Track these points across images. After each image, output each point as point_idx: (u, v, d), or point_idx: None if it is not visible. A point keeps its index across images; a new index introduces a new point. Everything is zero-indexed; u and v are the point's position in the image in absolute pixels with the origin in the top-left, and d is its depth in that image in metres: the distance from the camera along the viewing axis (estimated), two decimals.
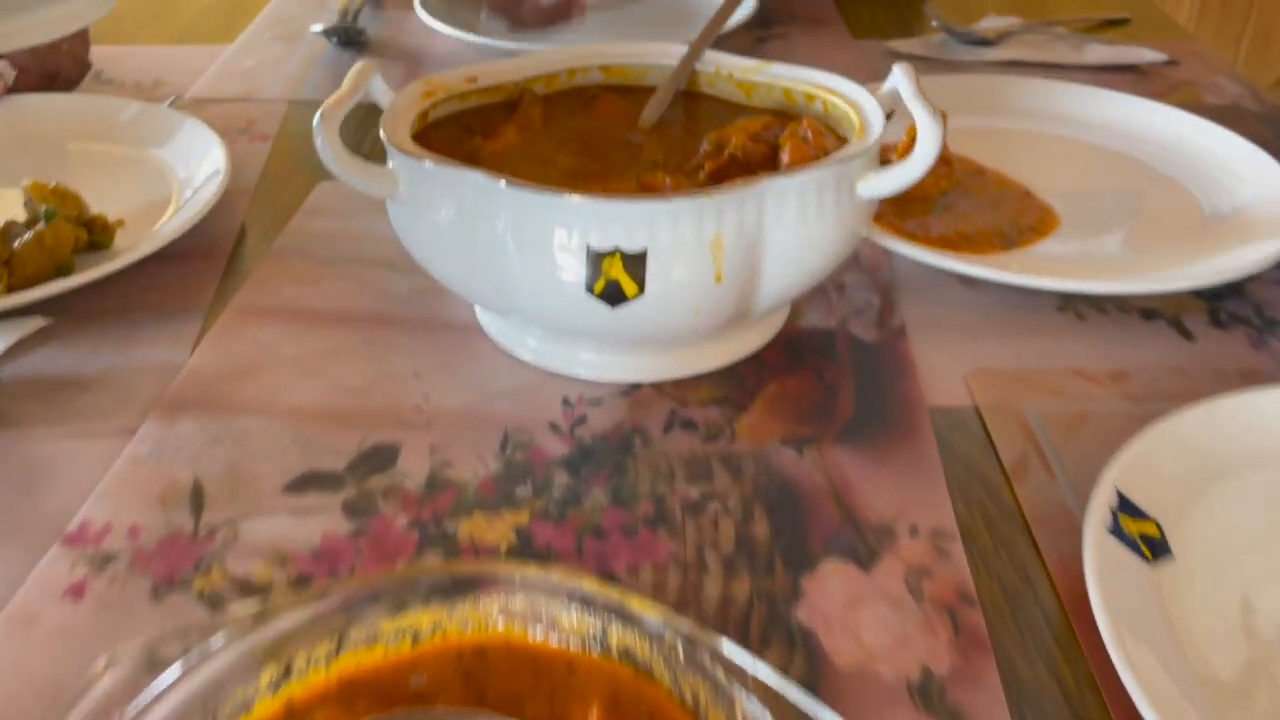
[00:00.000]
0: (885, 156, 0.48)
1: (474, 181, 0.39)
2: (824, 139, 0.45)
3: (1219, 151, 0.59)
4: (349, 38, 0.77)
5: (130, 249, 0.50)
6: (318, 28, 0.78)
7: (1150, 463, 0.37)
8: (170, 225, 0.51)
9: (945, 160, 0.58)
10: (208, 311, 0.48)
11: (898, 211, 0.54)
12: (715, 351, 0.46)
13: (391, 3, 0.87)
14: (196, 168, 0.57)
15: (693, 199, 0.38)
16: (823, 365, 0.45)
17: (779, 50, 0.78)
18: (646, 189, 0.42)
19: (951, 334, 0.47)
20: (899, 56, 0.77)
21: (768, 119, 0.47)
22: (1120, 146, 0.63)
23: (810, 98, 0.49)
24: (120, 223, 0.53)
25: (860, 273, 0.52)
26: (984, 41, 0.78)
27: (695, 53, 0.51)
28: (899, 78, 0.45)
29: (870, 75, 0.73)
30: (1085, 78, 0.74)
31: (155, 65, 0.74)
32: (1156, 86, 0.73)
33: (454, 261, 0.43)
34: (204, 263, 0.52)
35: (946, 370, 0.45)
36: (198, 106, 0.68)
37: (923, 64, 0.76)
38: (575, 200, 0.38)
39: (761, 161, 0.45)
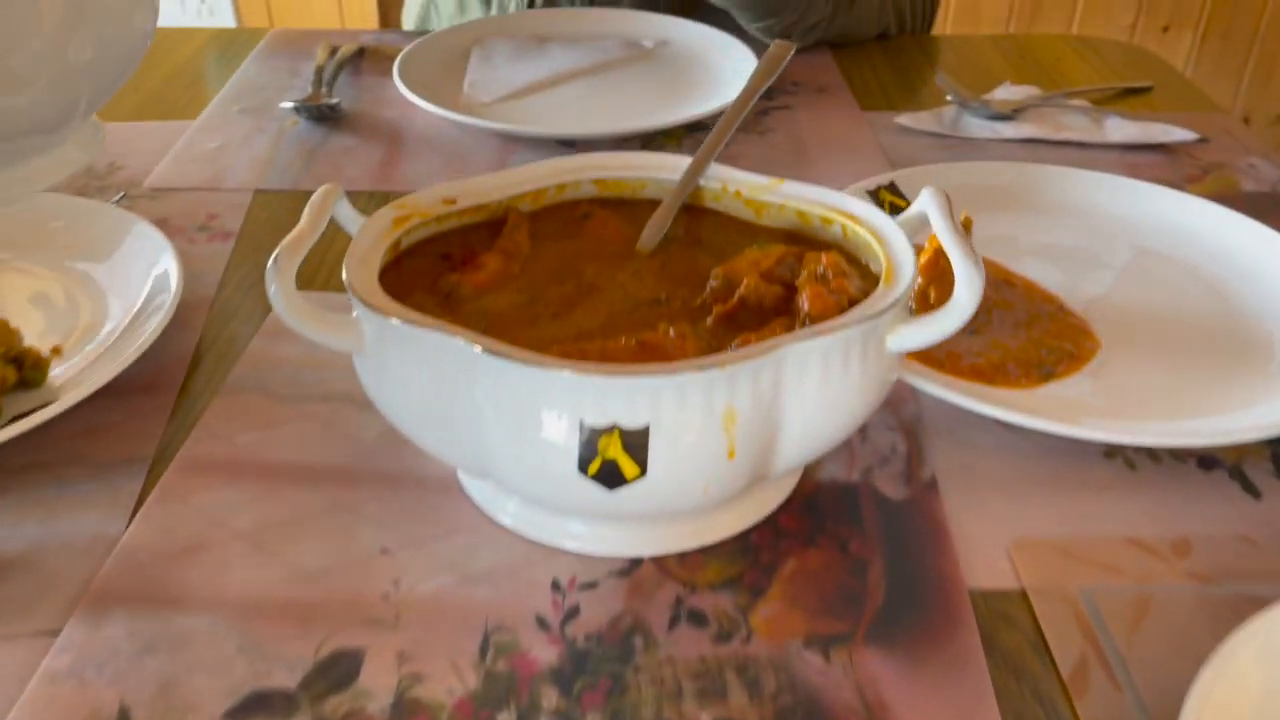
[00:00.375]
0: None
1: (447, 344, 0.34)
2: (845, 279, 0.40)
3: (1272, 260, 0.54)
4: (321, 114, 0.72)
5: (67, 385, 0.44)
6: (287, 104, 0.72)
7: (1238, 682, 0.32)
8: (112, 356, 0.46)
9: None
10: (152, 464, 0.43)
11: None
12: (725, 519, 0.41)
13: (370, 69, 0.82)
14: (144, 281, 0.51)
15: (702, 371, 0.33)
16: (846, 533, 0.40)
17: (783, 122, 0.73)
18: (648, 348, 0.37)
19: (987, 488, 0.42)
20: (910, 133, 0.72)
21: (781, 252, 0.42)
22: (1158, 246, 0.58)
23: (827, 221, 0.44)
24: (56, 351, 0.47)
25: (883, 409, 0.47)
26: (1000, 116, 0.73)
27: (699, 167, 0.46)
28: (930, 206, 0.40)
29: (881, 154, 0.69)
30: (1111, 158, 0.69)
31: (111, 145, 0.69)
32: (1187, 169, 0.68)
33: (426, 426, 0.37)
34: (150, 399, 0.46)
35: (985, 538, 0.40)
36: (155, 198, 0.62)
37: (937, 141, 0.71)
38: (566, 374, 0.33)
39: (775, 304, 0.40)
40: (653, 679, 0.34)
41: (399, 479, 0.42)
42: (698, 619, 0.37)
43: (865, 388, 0.37)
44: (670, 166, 0.47)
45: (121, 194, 0.62)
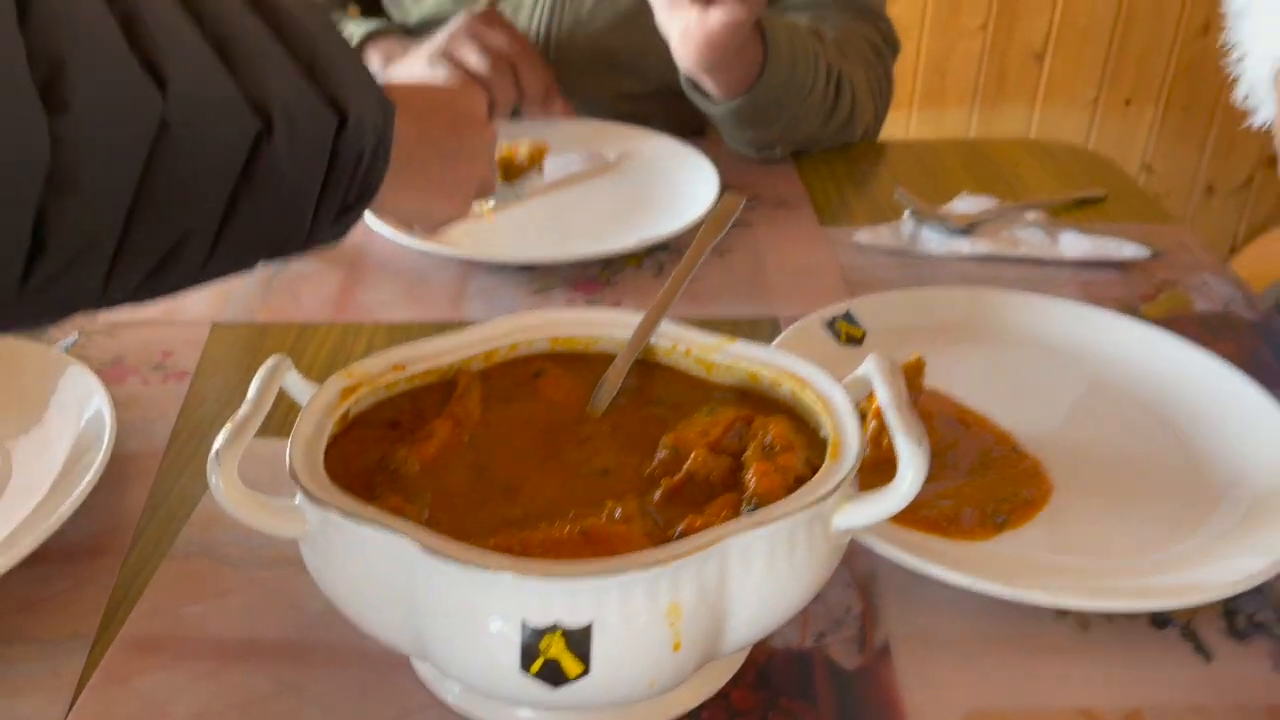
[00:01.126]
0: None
1: (387, 538, 0.34)
2: (792, 454, 0.40)
3: (1227, 402, 0.55)
4: None
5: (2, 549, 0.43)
6: None
7: None
8: (44, 518, 0.45)
9: (926, 414, 0.53)
10: (94, 640, 0.42)
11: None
12: (676, 697, 0.40)
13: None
14: (76, 433, 0.51)
15: (646, 570, 0.33)
16: (800, 709, 0.40)
17: (742, 241, 0.74)
18: (592, 538, 0.37)
19: (941, 653, 0.42)
20: (869, 250, 0.73)
21: (730, 419, 0.42)
22: (1112, 378, 0.58)
23: (776, 383, 0.44)
24: None
25: (839, 565, 0.46)
26: (957, 231, 0.74)
27: (650, 326, 0.46)
28: (875, 376, 0.40)
29: (840, 275, 0.69)
30: (1066, 275, 0.70)
31: None
32: (1141, 287, 0.69)
33: (368, 612, 0.37)
34: (95, 563, 0.46)
35: (938, 709, 0.40)
36: (110, 334, 0.62)
37: (894, 260, 0.72)
38: (508, 576, 0.33)
39: (723, 478, 0.40)
40: None
41: (346, 655, 0.42)
42: None
43: (813, 567, 0.37)
44: (623, 323, 0.47)
45: (75, 336, 0.61)
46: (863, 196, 0.83)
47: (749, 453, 0.40)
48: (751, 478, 0.39)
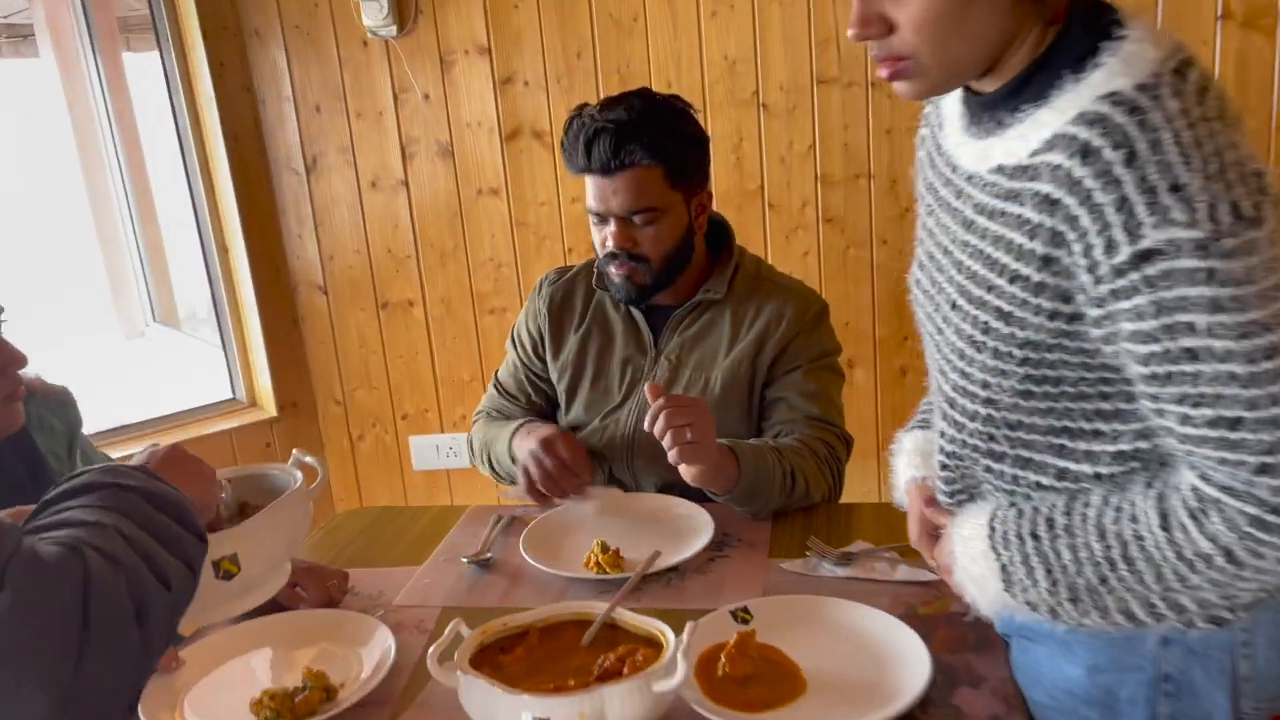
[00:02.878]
0: (715, 654, 1.02)
1: (481, 685, 0.96)
2: (648, 663, 0.99)
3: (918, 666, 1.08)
4: (482, 564, 1.40)
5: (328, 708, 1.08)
6: (464, 559, 1.41)
7: None
8: (354, 693, 1.10)
9: (749, 657, 1.09)
10: None
11: (718, 683, 1.05)
12: None
13: (514, 531, 1.50)
14: (376, 658, 1.17)
15: (572, 696, 0.93)
16: None
17: (718, 566, 1.34)
18: (559, 688, 0.97)
19: None
20: (786, 573, 1.31)
21: (632, 646, 1.02)
22: (870, 644, 1.12)
23: (660, 633, 1.04)
24: (337, 689, 1.12)
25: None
26: (839, 562, 1.31)
27: (610, 611, 1.08)
28: (681, 643, 1.00)
29: (761, 588, 1.27)
30: (893, 589, 1.24)
31: (380, 581, 1.39)
32: (925, 596, 1.22)
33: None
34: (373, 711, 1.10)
35: None
36: (396, 612, 1.30)
37: (798, 579, 1.29)
38: (521, 696, 0.94)
39: (619, 668, 1.00)
40: None
41: None
42: None
43: (647, 708, 0.95)
44: (600, 609, 1.09)
45: (381, 611, 1.30)
46: (803, 541, 1.41)
47: (630, 662, 1.00)
48: (626, 668, 0.99)
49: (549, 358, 1.72)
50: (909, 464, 1.08)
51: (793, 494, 1.46)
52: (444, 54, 2.49)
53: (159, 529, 0.81)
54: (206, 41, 2.46)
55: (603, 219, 1.56)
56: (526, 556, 1.38)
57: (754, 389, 1.61)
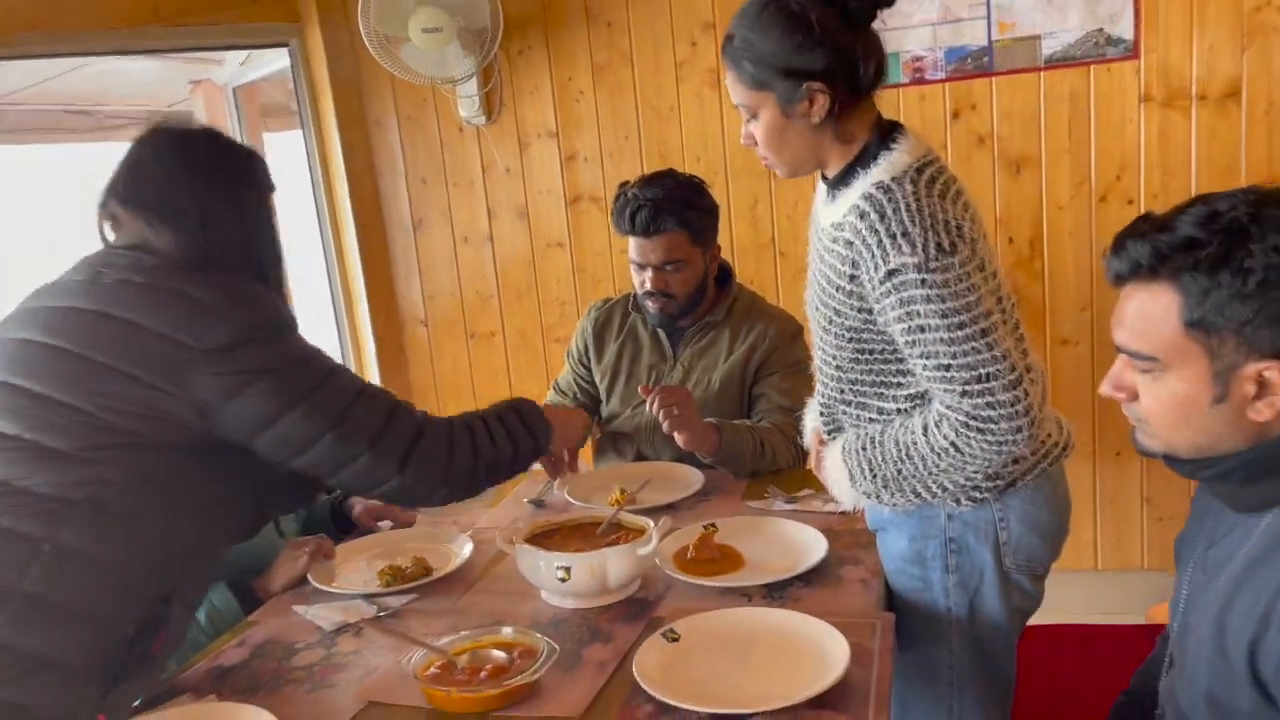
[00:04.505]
0: (686, 548, 1.57)
1: (529, 550, 1.53)
2: (639, 535, 1.55)
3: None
4: (538, 504, 1.97)
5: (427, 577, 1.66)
6: (525, 498, 1.99)
7: None
8: (444, 570, 1.68)
9: (709, 547, 1.64)
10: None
11: (687, 563, 1.60)
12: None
13: (561, 484, 2.06)
14: (466, 552, 1.75)
15: (585, 554, 1.50)
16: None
17: (706, 504, 1.89)
18: (578, 549, 1.54)
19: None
20: (750, 508, 1.85)
21: (628, 532, 1.59)
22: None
23: (647, 525, 1.60)
24: (430, 570, 1.70)
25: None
26: (789, 500, 1.84)
27: (616, 513, 1.65)
28: (660, 525, 1.55)
29: (733, 514, 1.81)
30: (819, 518, 1.77)
31: (473, 515, 1.97)
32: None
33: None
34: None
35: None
36: (479, 531, 1.87)
37: (758, 509, 1.83)
38: (554, 554, 1.51)
39: (616, 540, 1.56)
40: None
41: None
42: None
43: (635, 564, 1.51)
44: (609, 513, 1.66)
45: (471, 530, 1.88)
46: (762, 490, 1.94)
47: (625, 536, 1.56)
48: (622, 540, 1.55)
49: (593, 364, 2.30)
50: (811, 419, 1.62)
51: (762, 459, 2.00)
52: (521, 137, 3.14)
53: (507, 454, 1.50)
54: (340, 129, 3.16)
55: (642, 268, 2.15)
56: (569, 498, 1.95)
57: (744, 387, 2.17)
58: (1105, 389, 1.09)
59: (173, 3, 2.77)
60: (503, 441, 1.47)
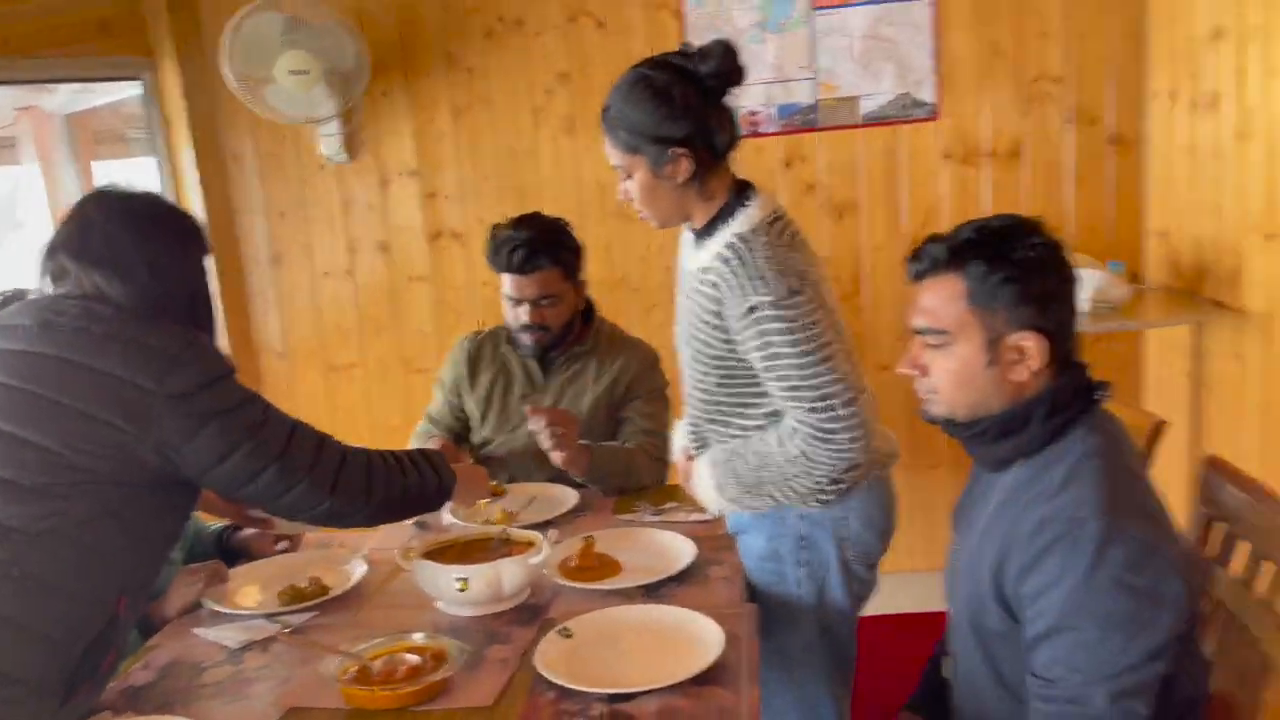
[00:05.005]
0: (570, 558, 1.74)
1: (427, 565, 1.67)
2: (526, 549, 1.71)
3: None
4: (422, 525, 2.09)
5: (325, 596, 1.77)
6: (410, 521, 2.10)
7: None
8: (341, 587, 1.79)
9: (590, 555, 1.82)
10: None
11: (570, 570, 1.77)
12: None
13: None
14: (361, 572, 1.86)
15: (481, 565, 1.65)
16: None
17: (581, 520, 2.06)
18: (474, 562, 1.69)
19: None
20: (618, 520, 2.04)
21: (518, 546, 1.74)
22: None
23: (535, 538, 1.76)
24: (327, 589, 1.80)
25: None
26: (655, 513, 2.05)
27: (505, 529, 1.80)
28: (546, 542, 1.72)
29: (606, 526, 1.99)
30: (685, 527, 1.98)
31: (358, 540, 2.06)
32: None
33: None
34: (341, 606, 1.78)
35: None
36: (371, 553, 1.98)
37: (626, 522, 2.02)
38: (451, 567, 1.65)
39: (509, 553, 1.71)
40: None
41: None
42: None
43: (530, 572, 1.67)
44: (499, 530, 1.81)
45: (363, 552, 1.98)
46: (631, 505, 2.14)
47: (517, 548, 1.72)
48: (514, 553, 1.71)
49: (466, 394, 2.44)
50: (680, 437, 1.84)
51: (629, 477, 2.20)
52: (383, 174, 3.25)
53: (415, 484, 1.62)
54: (198, 164, 3.17)
55: (519, 303, 2.31)
56: (454, 518, 2.09)
57: (611, 411, 2.37)
58: (903, 367, 1.35)
59: (23, 34, 2.74)
60: (413, 475, 1.61)
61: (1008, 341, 1.26)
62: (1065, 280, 1.28)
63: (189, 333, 1.41)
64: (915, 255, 1.33)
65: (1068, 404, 1.28)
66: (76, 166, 3.82)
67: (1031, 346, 1.26)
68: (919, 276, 1.32)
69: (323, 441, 1.52)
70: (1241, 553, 1.43)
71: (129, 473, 1.31)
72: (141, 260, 1.40)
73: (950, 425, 1.36)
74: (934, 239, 1.31)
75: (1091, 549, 1.15)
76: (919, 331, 1.33)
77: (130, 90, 3.25)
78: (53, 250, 1.44)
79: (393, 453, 1.64)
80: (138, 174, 3.39)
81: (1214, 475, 1.51)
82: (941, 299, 1.29)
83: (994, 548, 1.28)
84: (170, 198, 3.17)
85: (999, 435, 1.31)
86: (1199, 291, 2.81)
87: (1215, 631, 1.45)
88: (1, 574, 1.21)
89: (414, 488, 1.61)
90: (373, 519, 1.58)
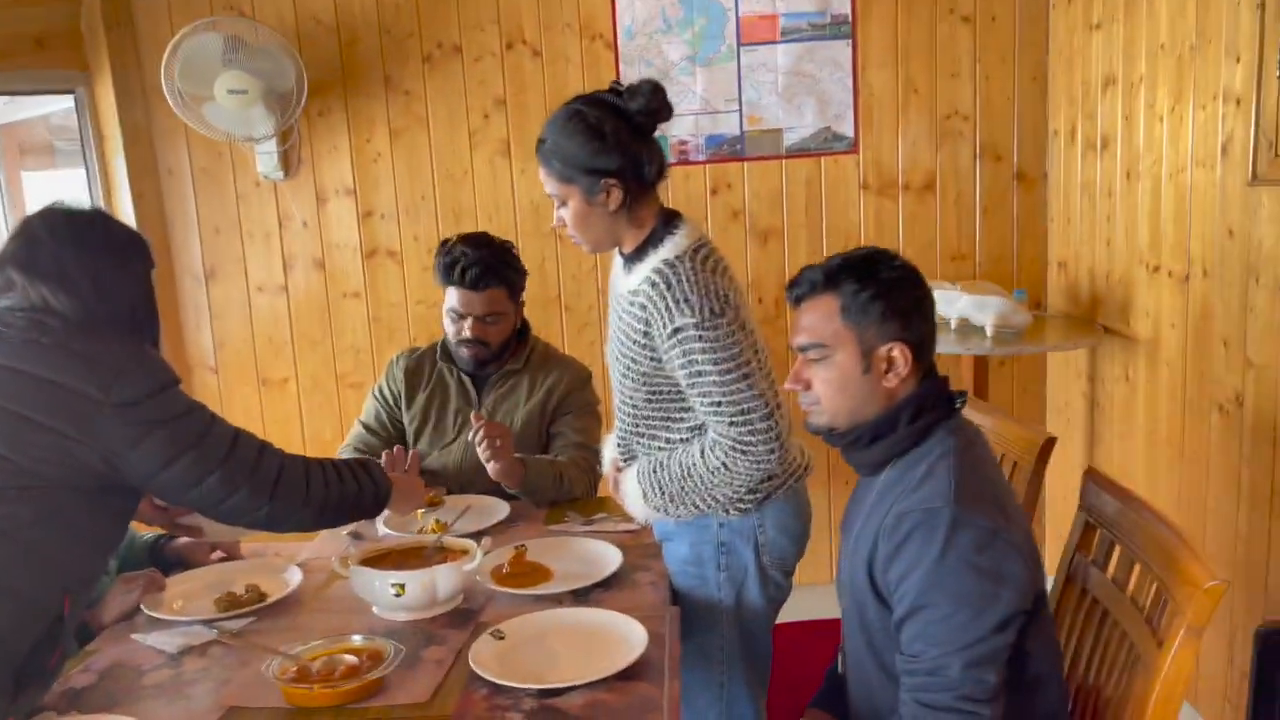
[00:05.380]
0: (502, 565, 1.82)
1: (364, 571, 1.74)
2: (459, 557, 1.79)
3: None
4: (356, 536, 2.15)
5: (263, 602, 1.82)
6: (344, 531, 2.16)
7: None
8: (277, 595, 1.84)
9: (521, 563, 1.90)
10: None
11: (503, 577, 1.85)
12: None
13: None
14: (297, 580, 1.91)
15: (416, 571, 1.72)
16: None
17: (514, 529, 2.14)
18: (410, 568, 1.76)
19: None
20: (551, 530, 2.13)
21: (452, 553, 1.82)
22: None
23: (470, 546, 1.84)
24: (264, 595, 1.86)
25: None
26: (585, 523, 2.14)
27: (440, 538, 1.88)
28: (482, 546, 1.81)
29: (538, 535, 2.08)
30: (613, 536, 2.08)
31: (294, 549, 2.11)
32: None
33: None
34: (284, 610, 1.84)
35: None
36: (306, 563, 2.03)
37: (557, 532, 2.11)
38: (388, 573, 1.72)
39: (444, 559, 1.79)
40: None
41: None
42: None
43: (455, 583, 1.75)
44: (434, 539, 1.89)
45: (300, 560, 2.03)
46: (562, 516, 2.23)
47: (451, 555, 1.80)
48: (449, 559, 1.78)
49: (403, 409, 2.51)
50: (609, 450, 1.94)
51: (561, 489, 2.30)
52: (319, 193, 3.30)
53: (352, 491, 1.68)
54: (130, 178, 3.19)
55: (463, 317, 2.39)
56: (386, 529, 2.15)
57: (543, 426, 2.46)
58: (788, 384, 1.48)
59: None
60: (350, 483, 1.68)
61: (879, 352, 1.41)
62: (923, 298, 1.44)
63: (134, 344, 1.47)
64: (794, 282, 1.47)
65: (931, 408, 1.43)
66: (4, 176, 3.79)
67: (899, 356, 1.41)
68: (799, 300, 1.47)
69: (263, 449, 1.59)
70: (1116, 555, 1.58)
71: (76, 477, 1.36)
72: (85, 275, 1.45)
73: (830, 435, 1.50)
74: (809, 268, 1.47)
75: (943, 534, 1.30)
76: (801, 349, 1.47)
77: (60, 103, 3.25)
78: (0, 263, 1.48)
79: (331, 461, 1.71)
80: (67, 186, 3.38)
81: (1092, 485, 1.66)
82: (819, 316, 1.43)
83: (867, 544, 1.42)
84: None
85: (872, 439, 1.45)
86: (1094, 318, 3.02)
87: (1091, 627, 1.60)
88: None
89: (351, 495, 1.68)
90: (310, 524, 1.65)
